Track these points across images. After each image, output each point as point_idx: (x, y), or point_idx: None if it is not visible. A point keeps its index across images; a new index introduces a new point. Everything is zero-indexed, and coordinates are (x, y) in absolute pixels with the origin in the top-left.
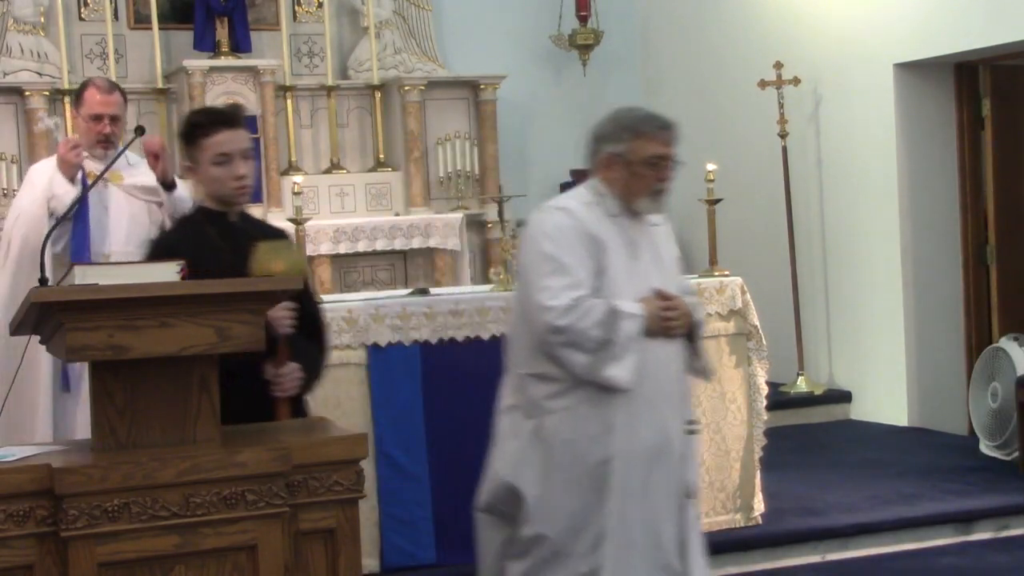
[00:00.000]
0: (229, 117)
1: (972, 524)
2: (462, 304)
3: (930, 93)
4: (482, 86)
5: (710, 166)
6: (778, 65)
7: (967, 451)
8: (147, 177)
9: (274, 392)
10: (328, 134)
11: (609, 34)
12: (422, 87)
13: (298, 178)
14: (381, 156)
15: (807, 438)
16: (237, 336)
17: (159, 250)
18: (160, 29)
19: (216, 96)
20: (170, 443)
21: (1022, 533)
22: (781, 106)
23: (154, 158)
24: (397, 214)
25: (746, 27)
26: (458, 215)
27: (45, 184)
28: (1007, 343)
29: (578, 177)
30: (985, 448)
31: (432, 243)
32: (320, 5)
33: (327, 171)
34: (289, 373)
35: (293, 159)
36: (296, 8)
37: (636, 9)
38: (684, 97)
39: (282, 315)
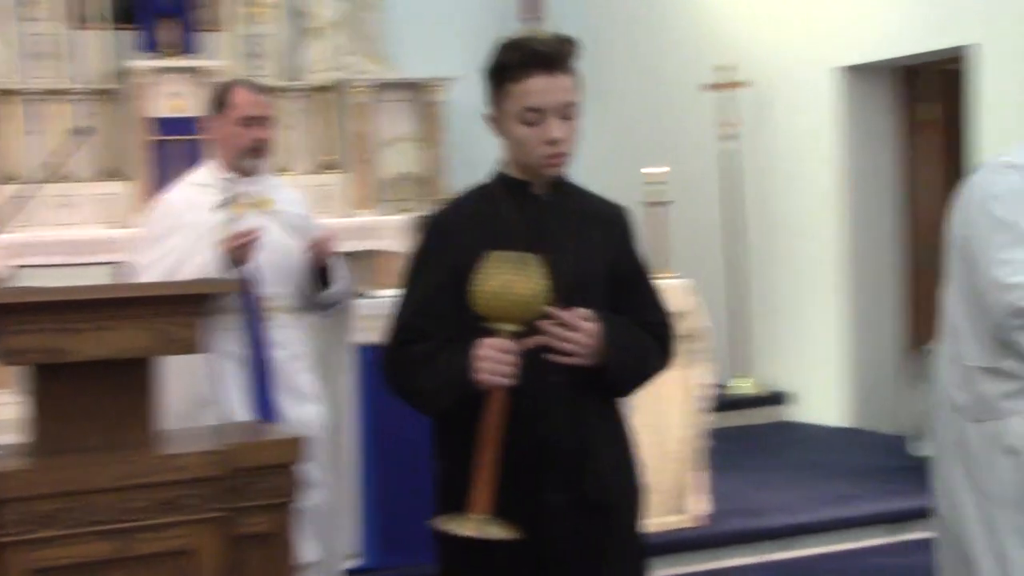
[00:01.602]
0: (549, 57)
1: (904, 524)
2: None
3: (873, 97)
4: (431, 88)
5: (652, 169)
6: (724, 68)
7: (902, 452)
8: (296, 204)
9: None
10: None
11: None
12: (370, 89)
13: None
14: (328, 158)
15: (748, 439)
16: (177, 340)
17: (434, 231)
18: (105, 29)
19: (161, 97)
20: (107, 447)
21: None
22: (727, 109)
23: (319, 249)
24: (343, 216)
25: (692, 31)
26: (403, 218)
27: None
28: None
29: None
30: (919, 449)
31: (378, 245)
32: (267, 7)
33: (273, 173)
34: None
35: None
36: (243, 9)
37: (586, 12)
38: (632, 101)
39: (484, 354)
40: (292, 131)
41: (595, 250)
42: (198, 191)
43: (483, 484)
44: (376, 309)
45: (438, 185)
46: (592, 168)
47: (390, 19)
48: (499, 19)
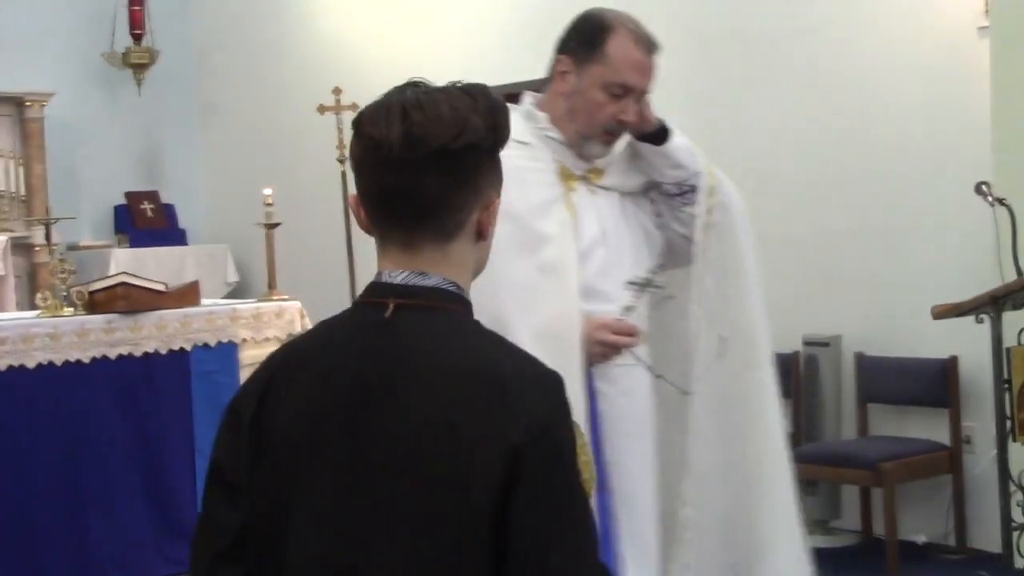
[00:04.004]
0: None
1: None
2: (5, 331)
3: None
4: (28, 103)
5: (267, 190)
6: (337, 91)
7: None
8: (622, 162)
9: None
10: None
11: (165, 54)
12: None
13: None
14: None
15: None
16: None
17: None
18: None
19: None
20: None
21: None
22: (340, 131)
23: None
24: None
25: (305, 53)
26: (2, 238)
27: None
28: None
29: (133, 200)
30: None
31: None
32: None
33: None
34: None
35: None
36: None
37: (191, 30)
38: (244, 120)
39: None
40: None
41: None
42: (516, 152)
43: None
44: None
45: (38, 204)
46: (210, 188)
47: None
48: (97, 36)
